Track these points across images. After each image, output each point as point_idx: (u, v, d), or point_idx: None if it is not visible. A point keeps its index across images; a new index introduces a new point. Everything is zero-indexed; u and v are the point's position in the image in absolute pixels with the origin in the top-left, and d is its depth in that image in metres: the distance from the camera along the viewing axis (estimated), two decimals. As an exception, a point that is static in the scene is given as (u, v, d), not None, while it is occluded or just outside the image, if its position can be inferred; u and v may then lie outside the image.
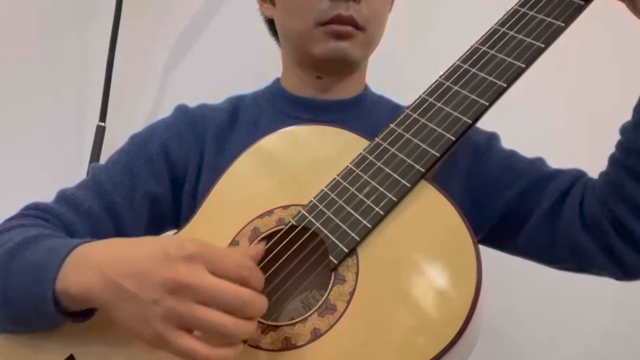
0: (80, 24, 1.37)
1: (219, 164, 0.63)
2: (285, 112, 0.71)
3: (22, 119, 1.25)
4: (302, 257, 0.53)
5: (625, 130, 0.58)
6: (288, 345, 0.47)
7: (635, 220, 0.58)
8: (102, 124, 1.25)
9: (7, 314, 0.52)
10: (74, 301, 0.48)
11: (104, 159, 1.13)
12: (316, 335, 0.47)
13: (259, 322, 0.49)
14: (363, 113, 0.71)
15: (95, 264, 0.46)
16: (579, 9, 0.53)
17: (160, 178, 0.67)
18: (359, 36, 0.67)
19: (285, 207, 0.55)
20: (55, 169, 1.24)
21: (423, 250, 0.48)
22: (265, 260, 0.52)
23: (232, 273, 0.43)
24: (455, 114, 0.52)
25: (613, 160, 0.59)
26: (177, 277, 0.42)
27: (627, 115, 0.58)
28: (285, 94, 0.74)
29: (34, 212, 0.61)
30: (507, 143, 0.73)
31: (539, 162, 0.69)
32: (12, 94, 1.24)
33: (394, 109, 0.72)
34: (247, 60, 1.21)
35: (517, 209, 0.66)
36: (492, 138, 0.72)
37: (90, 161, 1.21)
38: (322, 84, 0.72)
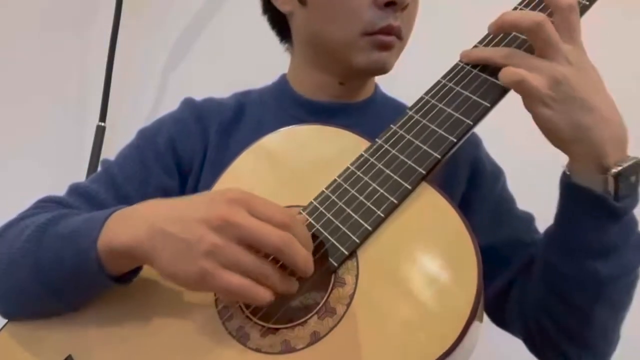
0: (80, 24, 1.37)
1: (221, 160, 0.62)
2: (291, 113, 0.70)
3: (22, 119, 1.25)
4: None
5: (547, 244, 0.55)
6: (287, 348, 0.47)
7: (562, 339, 0.56)
8: (102, 124, 1.25)
9: (40, 286, 0.51)
10: (117, 256, 0.48)
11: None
12: (315, 338, 0.46)
13: (259, 324, 0.49)
14: (372, 116, 0.69)
15: (139, 217, 0.47)
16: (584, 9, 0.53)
17: (171, 171, 0.67)
18: (397, 45, 0.65)
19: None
20: (56, 169, 1.24)
21: (424, 253, 0.48)
22: None
23: (275, 218, 0.44)
24: (457, 115, 0.52)
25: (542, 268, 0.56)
26: (221, 214, 0.43)
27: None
28: (293, 95, 0.72)
29: (50, 205, 0.61)
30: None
31: (524, 223, 0.66)
32: (12, 94, 1.24)
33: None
34: (247, 60, 1.20)
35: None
36: (499, 174, 0.69)
37: (90, 161, 1.21)
38: (340, 88, 0.69)
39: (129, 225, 0.48)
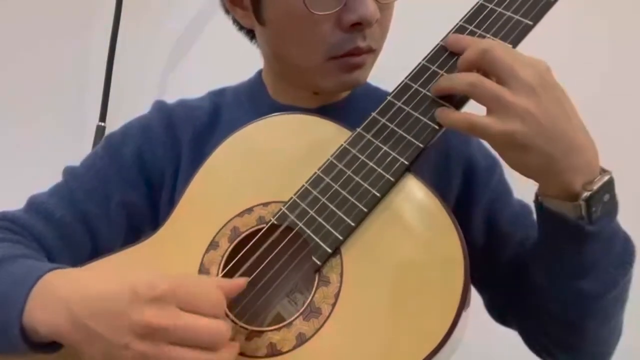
0: (80, 24, 1.37)
1: (196, 171, 0.58)
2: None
3: (22, 119, 1.26)
4: (286, 258, 0.51)
5: (532, 263, 0.54)
6: (273, 351, 0.46)
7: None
8: (102, 124, 1.26)
9: None
10: (41, 338, 0.46)
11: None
12: (302, 340, 0.45)
13: (244, 328, 0.47)
14: (353, 114, 0.63)
15: (63, 302, 0.44)
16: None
17: (136, 185, 0.63)
18: (370, 58, 0.60)
19: (265, 205, 0.53)
20: (55, 169, 1.23)
21: (408, 247, 0.46)
22: (249, 262, 0.50)
23: (205, 312, 0.42)
24: (441, 100, 0.49)
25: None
26: (146, 321, 0.40)
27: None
28: (268, 100, 0.68)
29: (1, 224, 0.58)
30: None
31: (518, 219, 0.63)
32: (12, 94, 1.25)
33: None
34: (247, 60, 1.19)
35: (486, 251, 0.62)
36: (494, 167, 0.66)
37: (90, 162, 1.21)
38: (315, 97, 0.65)
39: (49, 311, 0.45)
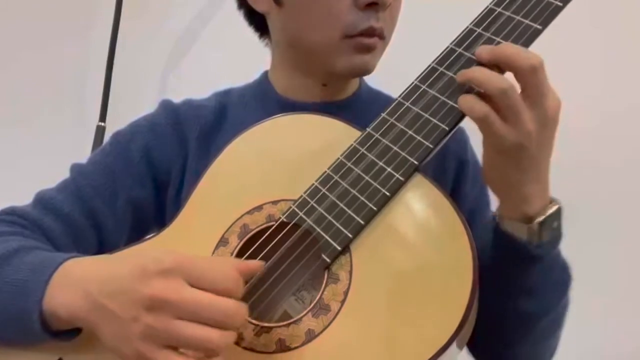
0: (80, 24, 1.37)
1: (203, 169, 0.59)
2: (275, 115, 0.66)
3: (22, 119, 1.26)
4: (295, 256, 0.52)
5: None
6: (282, 347, 0.46)
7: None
8: (102, 124, 1.25)
9: None
10: (61, 322, 0.47)
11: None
12: (311, 336, 0.46)
13: (253, 323, 0.48)
14: (357, 114, 0.65)
15: (80, 284, 0.46)
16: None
17: (143, 182, 0.64)
18: (380, 46, 0.62)
19: (274, 203, 0.53)
20: (55, 169, 1.23)
21: (417, 246, 0.47)
22: (258, 259, 0.50)
23: (216, 286, 0.42)
24: (450, 102, 0.50)
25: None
26: (154, 293, 0.41)
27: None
28: (275, 97, 0.69)
29: (10, 218, 0.58)
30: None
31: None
32: (12, 94, 1.25)
33: None
34: (248, 60, 1.19)
35: None
36: (478, 176, 0.66)
37: (90, 162, 1.21)
38: (323, 90, 0.67)
39: (69, 293, 0.46)
